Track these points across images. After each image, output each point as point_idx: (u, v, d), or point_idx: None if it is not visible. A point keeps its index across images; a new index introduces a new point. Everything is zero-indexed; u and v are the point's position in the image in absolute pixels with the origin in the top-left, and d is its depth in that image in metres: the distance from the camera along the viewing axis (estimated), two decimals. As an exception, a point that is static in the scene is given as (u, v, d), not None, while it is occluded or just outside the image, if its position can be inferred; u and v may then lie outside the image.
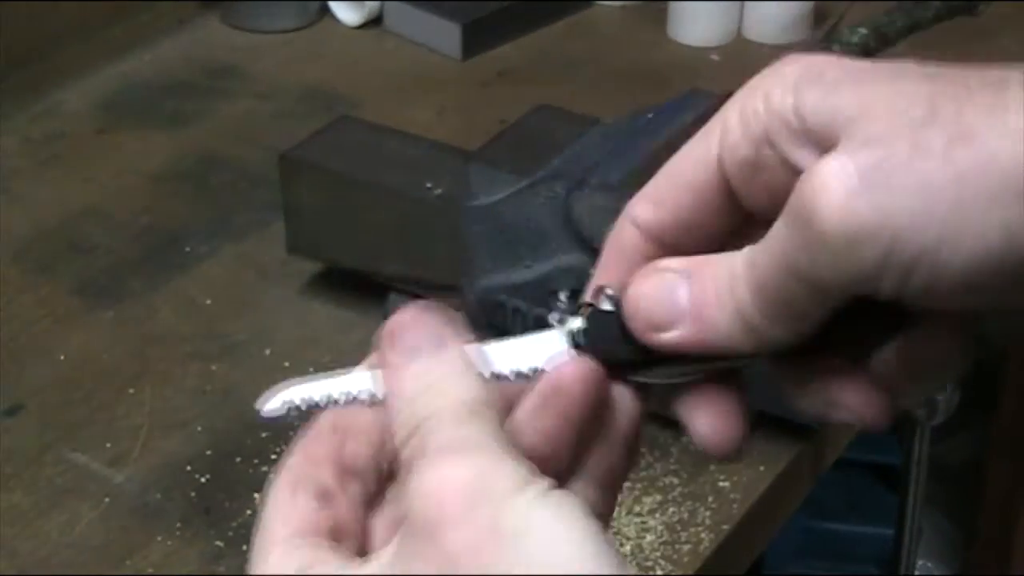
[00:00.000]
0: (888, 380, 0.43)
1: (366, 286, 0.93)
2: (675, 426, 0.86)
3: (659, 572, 0.76)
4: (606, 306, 0.44)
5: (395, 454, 0.42)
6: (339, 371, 0.45)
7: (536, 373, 0.44)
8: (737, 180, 0.43)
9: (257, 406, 0.44)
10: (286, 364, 0.89)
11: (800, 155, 0.40)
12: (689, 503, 0.80)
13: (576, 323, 0.44)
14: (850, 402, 0.43)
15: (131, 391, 0.87)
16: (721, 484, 0.81)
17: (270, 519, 0.43)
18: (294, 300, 0.95)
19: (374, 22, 1.32)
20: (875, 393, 0.43)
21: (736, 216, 0.44)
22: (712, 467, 0.82)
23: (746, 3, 1.29)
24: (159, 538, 0.77)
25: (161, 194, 1.08)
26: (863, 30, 0.93)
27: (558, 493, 0.39)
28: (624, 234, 0.46)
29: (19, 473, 0.81)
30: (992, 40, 1.28)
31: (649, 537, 0.77)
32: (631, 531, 0.78)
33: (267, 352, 0.90)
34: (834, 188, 0.38)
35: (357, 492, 0.44)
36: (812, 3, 1.29)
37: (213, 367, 0.89)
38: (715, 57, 1.26)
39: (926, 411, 0.86)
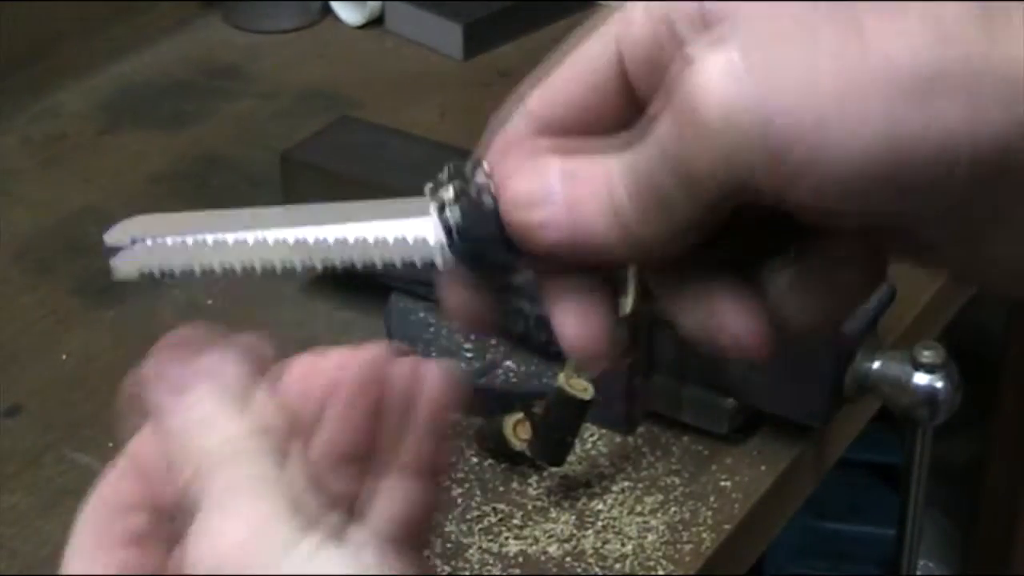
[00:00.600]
0: (777, 302, 0.41)
1: (366, 286, 0.93)
2: (677, 426, 0.87)
3: (660, 572, 0.76)
4: (480, 179, 0.41)
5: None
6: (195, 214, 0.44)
7: (409, 265, 0.42)
8: (636, 76, 0.41)
9: (104, 236, 0.43)
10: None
11: (696, 46, 0.38)
12: (691, 503, 0.80)
13: (454, 215, 0.41)
14: (731, 323, 0.41)
15: (132, 391, 0.87)
16: (723, 484, 0.81)
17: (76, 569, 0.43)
18: (295, 300, 0.95)
19: (375, 22, 1.32)
20: (760, 317, 0.41)
21: (632, 115, 0.42)
22: (714, 467, 0.82)
23: (747, 3, 1.29)
24: (160, 538, 0.77)
25: (162, 194, 1.08)
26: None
27: (333, 544, 0.39)
28: (516, 123, 0.43)
29: (19, 473, 0.81)
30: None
31: (650, 537, 0.77)
32: (632, 531, 0.78)
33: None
34: (714, 72, 0.36)
35: (168, 531, 0.43)
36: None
37: (214, 367, 0.89)
38: (716, 57, 1.26)
39: (928, 411, 0.86)
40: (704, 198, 0.38)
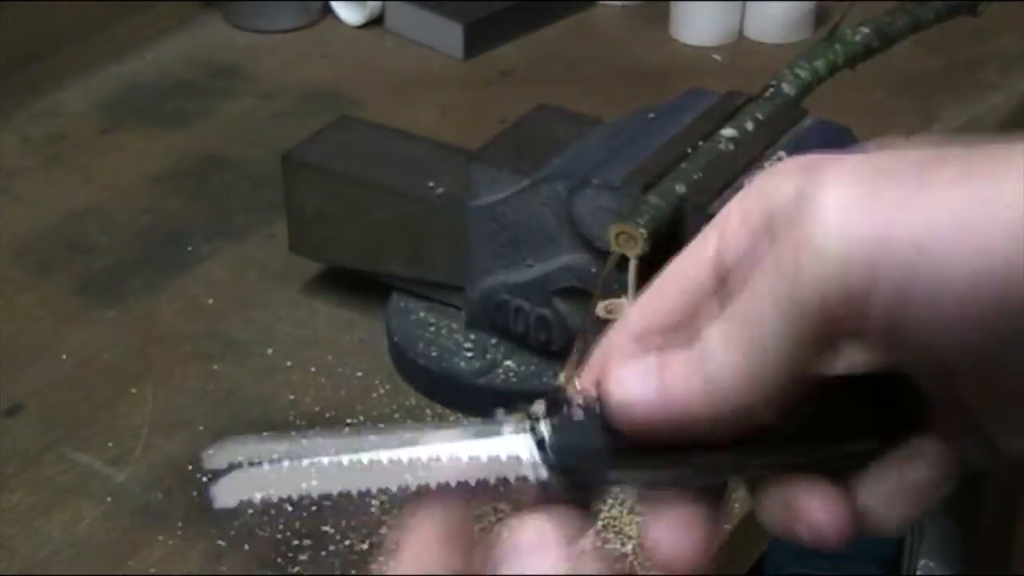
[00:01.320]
0: (868, 500, 0.41)
1: (368, 286, 0.93)
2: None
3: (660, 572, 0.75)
4: (577, 413, 0.42)
5: None
6: (297, 444, 0.43)
7: (504, 483, 0.42)
8: (734, 274, 0.41)
9: (204, 461, 0.42)
10: (288, 364, 0.89)
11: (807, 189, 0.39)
12: (691, 503, 0.79)
13: (545, 431, 0.42)
14: (810, 512, 0.41)
15: (133, 390, 0.87)
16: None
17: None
18: (296, 300, 0.95)
19: (376, 22, 1.32)
20: (839, 508, 0.41)
21: None
22: (714, 467, 0.82)
23: (748, 3, 1.29)
24: (161, 538, 0.77)
25: (162, 194, 1.08)
26: (865, 29, 0.93)
27: None
28: (615, 337, 0.44)
29: (20, 473, 0.81)
30: (992, 40, 1.28)
31: (651, 537, 0.77)
32: (632, 530, 0.78)
33: (269, 351, 0.90)
34: (831, 201, 0.37)
35: None
36: (814, 3, 1.29)
37: (215, 366, 0.89)
38: (717, 57, 1.26)
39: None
40: (805, 336, 0.37)
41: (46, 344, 0.91)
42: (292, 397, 0.86)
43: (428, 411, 0.86)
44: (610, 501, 0.79)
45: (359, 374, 0.89)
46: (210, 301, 0.95)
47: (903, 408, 0.41)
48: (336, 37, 1.31)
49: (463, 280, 0.87)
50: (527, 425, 0.43)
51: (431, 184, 0.89)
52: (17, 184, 1.09)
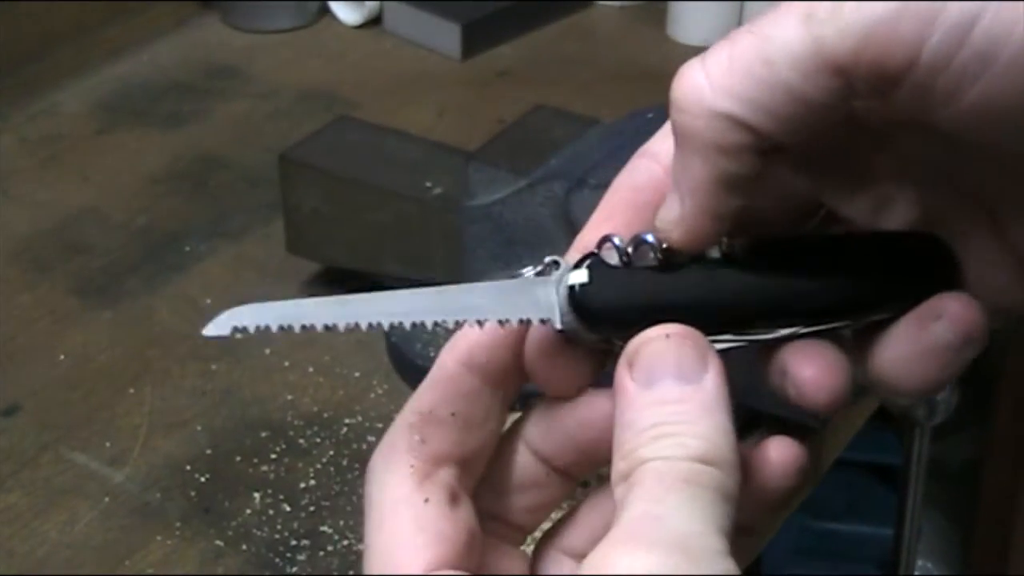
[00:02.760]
0: (887, 362, 0.41)
1: (365, 286, 0.93)
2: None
3: (659, 572, 0.75)
4: (612, 258, 0.42)
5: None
6: (298, 299, 0.43)
7: (523, 324, 0.42)
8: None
9: (204, 332, 0.42)
10: (286, 364, 0.89)
11: None
12: (689, 503, 0.79)
13: (579, 276, 0.42)
14: (800, 370, 0.41)
15: (130, 391, 0.87)
16: (721, 484, 0.81)
17: (399, 527, 0.40)
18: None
19: (373, 22, 1.32)
20: (834, 370, 0.41)
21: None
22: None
23: (745, 3, 1.29)
24: (159, 538, 0.77)
25: (160, 194, 1.08)
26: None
27: None
28: (638, 172, 0.44)
29: (17, 473, 0.81)
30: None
31: (649, 537, 0.77)
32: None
33: (267, 352, 0.90)
34: None
35: (473, 501, 0.41)
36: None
37: (213, 367, 0.89)
38: (714, 57, 1.26)
39: (926, 411, 0.86)
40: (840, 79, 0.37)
41: (43, 344, 0.91)
42: (290, 397, 0.86)
43: (426, 411, 0.85)
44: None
45: (357, 374, 0.89)
46: (207, 301, 0.95)
47: (925, 270, 0.41)
48: (334, 37, 1.31)
49: (460, 280, 0.87)
50: (556, 271, 0.43)
51: (428, 184, 0.89)
52: (14, 184, 1.09)
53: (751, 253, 0.42)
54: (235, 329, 0.41)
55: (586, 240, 0.44)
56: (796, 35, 0.37)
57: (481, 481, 0.43)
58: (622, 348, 0.41)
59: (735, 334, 0.42)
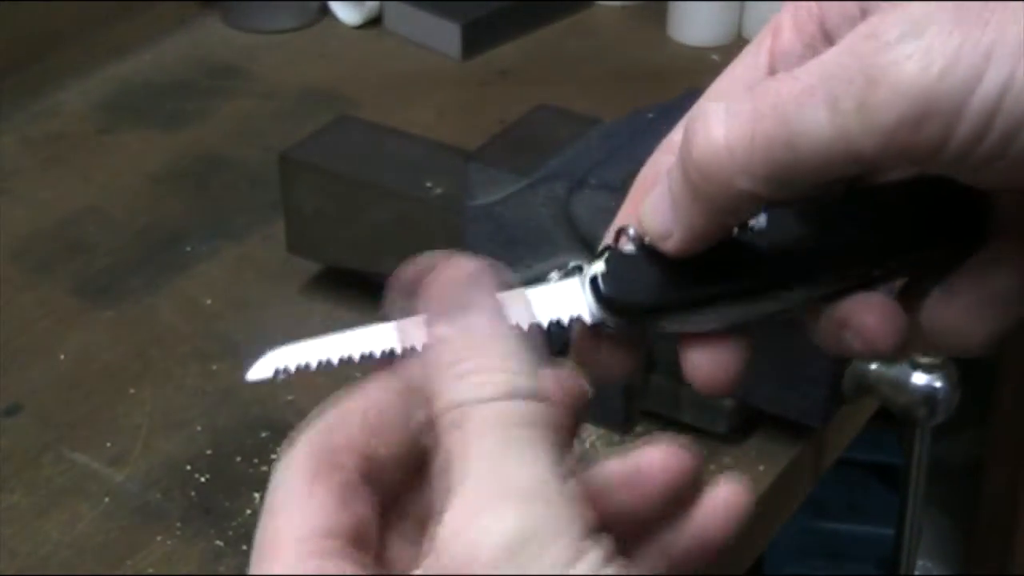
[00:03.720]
0: (933, 317, 0.41)
1: (366, 286, 0.93)
2: (675, 425, 0.87)
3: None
4: (627, 246, 0.42)
5: (420, 458, 0.38)
6: (332, 334, 0.43)
7: (557, 326, 0.42)
8: None
9: (246, 377, 0.42)
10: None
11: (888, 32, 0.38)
12: (689, 503, 0.79)
13: (597, 267, 0.42)
14: (866, 322, 0.40)
15: (131, 391, 0.87)
16: (721, 484, 0.81)
17: (281, 511, 0.38)
18: (294, 300, 0.95)
19: (374, 22, 1.32)
20: (891, 314, 0.40)
21: None
22: (712, 467, 0.82)
23: (746, 3, 1.29)
24: (159, 538, 0.77)
25: (161, 194, 1.08)
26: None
27: (616, 567, 0.34)
28: (660, 163, 0.44)
29: (18, 473, 0.81)
30: None
31: (649, 537, 0.77)
32: (631, 531, 0.77)
33: (268, 352, 0.90)
34: (913, 55, 0.36)
35: (376, 495, 0.40)
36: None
37: (213, 367, 0.89)
38: (715, 57, 1.26)
39: (927, 411, 0.86)
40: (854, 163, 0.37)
41: (45, 344, 0.91)
42: (291, 397, 0.86)
43: (427, 411, 0.85)
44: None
45: (358, 374, 0.88)
46: (208, 301, 0.95)
47: (978, 213, 0.41)
48: (334, 37, 1.31)
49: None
50: (578, 268, 0.43)
51: (429, 184, 0.89)
52: (16, 184, 1.09)
53: (766, 225, 0.42)
54: (277, 371, 0.41)
55: (628, 210, 0.45)
56: (821, 124, 0.37)
57: (404, 482, 0.42)
58: (657, 335, 0.42)
59: (757, 303, 0.42)
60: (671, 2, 1.30)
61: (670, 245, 0.41)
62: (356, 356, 0.42)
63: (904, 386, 0.83)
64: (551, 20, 1.33)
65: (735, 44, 1.28)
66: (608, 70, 1.26)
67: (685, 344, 0.43)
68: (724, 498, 0.42)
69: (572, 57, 1.28)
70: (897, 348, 0.41)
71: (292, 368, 0.42)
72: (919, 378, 0.83)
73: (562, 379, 0.42)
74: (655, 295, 0.42)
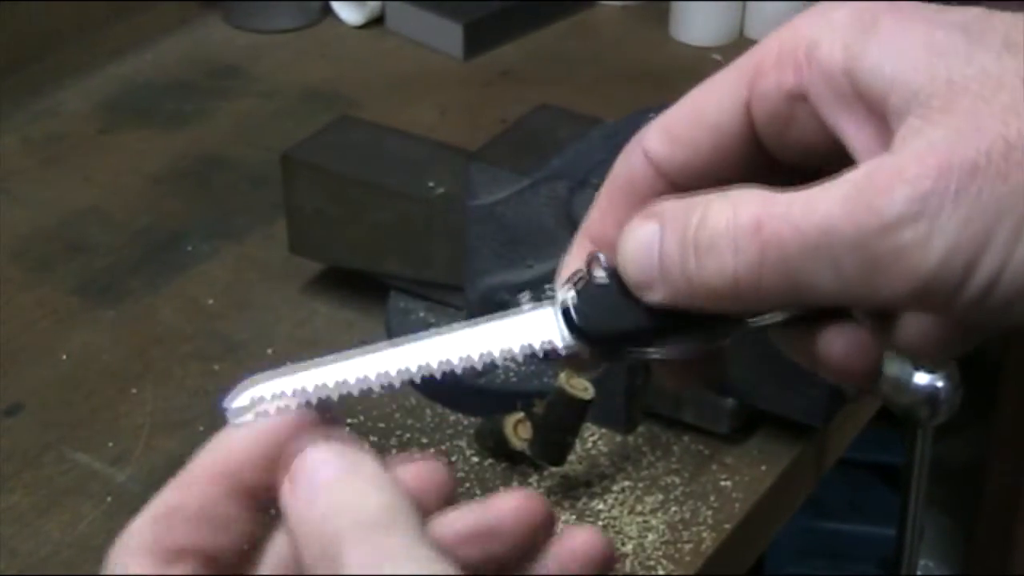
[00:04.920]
0: (911, 334, 0.41)
1: (367, 286, 0.93)
2: (677, 425, 0.87)
3: (660, 572, 0.75)
4: (599, 274, 0.42)
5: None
6: (312, 361, 0.43)
7: (530, 356, 0.42)
8: (765, 128, 0.40)
9: (224, 404, 0.42)
10: (288, 364, 0.89)
11: (842, 118, 0.38)
12: (691, 502, 0.79)
13: (569, 296, 0.42)
14: (836, 356, 0.41)
15: (133, 390, 0.87)
16: (723, 483, 0.81)
17: None
18: (295, 300, 0.95)
19: (376, 22, 1.32)
20: (862, 342, 0.41)
21: (759, 163, 0.41)
22: (714, 466, 0.82)
23: (748, 3, 1.29)
24: (160, 538, 0.77)
25: (162, 194, 1.08)
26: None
27: None
28: (634, 166, 0.43)
29: (19, 473, 0.81)
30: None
31: (651, 536, 0.77)
32: (632, 530, 0.77)
33: (269, 352, 0.90)
34: (920, 237, 0.36)
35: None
36: (813, 3, 1.29)
37: (215, 367, 0.89)
38: (717, 57, 1.26)
39: (928, 411, 0.86)
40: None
41: (46, 344, 0.91)
42: (292, 397, 0.86)
43: (428, 411, 0.86)
44: (610, 501, 0.79)
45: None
46: (210, 301, 0.95)
47: None
48: (336, 37, 1.31)
49: (463, 280, 0.87)
50: (549, 296, 0.43)
51: (431, 184, 0.89)
52: (16, 184, 1.09)
53: None
54: (254, 400, 0.41)
55: (589, 227, 0.44)
56: (825, 286, 0.38)
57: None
58: (629, 361, 0.42)
59: (730, 330, 0.42)
60: (673, 2, 1.30)
61: (650, 298, 0.41)
62: (335, 395, 0.42)
63: (906, 386, 0.83)
64: (553, 20, 1.33)
65: (737, 44, 1.28)
66: (610, 70, 1.26)
67: (657, 369, 0.44)
68: (578, 544, 0.42)
69: (574, 57, 1.28)
70: (867, 378, 0.41)
71: (268, 397, 0.42)
72: (921, 378, 0.83)
73: (422, 470, 0.41)
74: (629, 325, 0.42)
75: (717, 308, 0.40)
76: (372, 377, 0.42)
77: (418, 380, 0.42)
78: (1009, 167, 0.35)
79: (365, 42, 1.31)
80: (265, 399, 0.42)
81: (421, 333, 0.42)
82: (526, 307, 0.43)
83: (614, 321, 0.42)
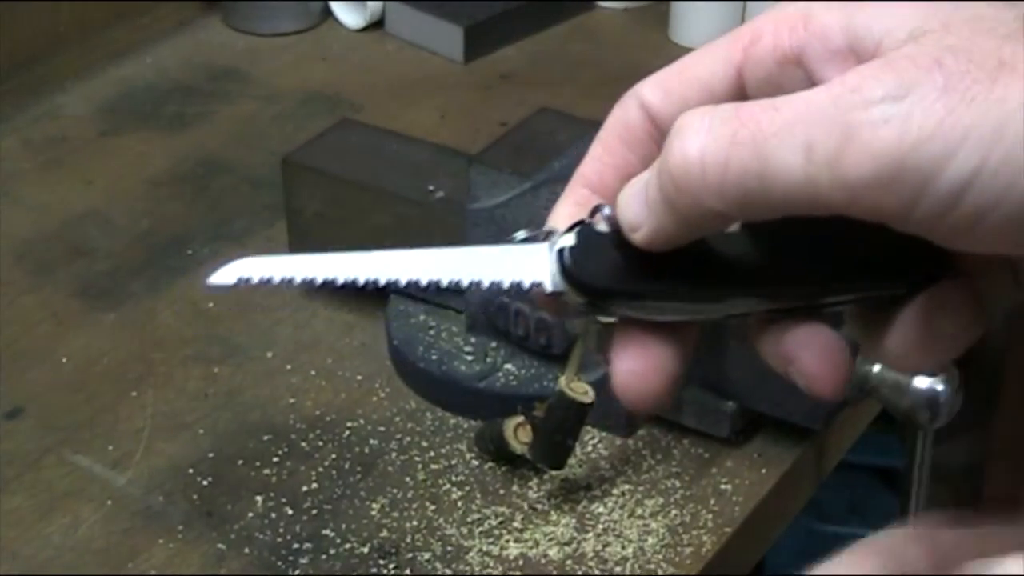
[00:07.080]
0: (893, 347, 0.41)
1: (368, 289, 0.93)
2: (677, 429, 0.87)
3: (661, 575, 0.75)
4: (601, 226, 0.42)
5: None
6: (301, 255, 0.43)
7: (516, 289, 0.43)
8: (755, 93, 0.41)
9: (207, 280, 0.42)
10: (288, 367, 0.89)
11: (830, 70, 0.39)
12: (691, 506, 0.80)
13: (567, 240, 0.42)
14: (808, 363, 0.41)
15: (133, 394, 0.87)
16: (723, 487, 0.81)
17: None
18: (296, 303, 0.95)
19: (376, 25, 1.32)
20: (835, 358, 0.41)
21: None
22: (714, 470, 0.82)
23: (748, 5, 1.29)
24: (161, 541, 0.77)
25: (162, 197, 1.08)
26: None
27: None
28: (630, 113, 0.44)
29: (20, 476, 0.81)
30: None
31: (651, 540, 0.77)
32: (633, 534, 0.78)
33: (269, 355, 0.90)
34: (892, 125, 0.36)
35: None
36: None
37: (215, 370, 0.89)
38: (717, 60, 1.26)
39: (929, 414, 0.85)
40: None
41: (46, 347, 0.91)
42: (292, 400, 0.86)
43: (428, 414, 0.86)
44: (611, 504, 0.79)
45: (359, 377, 0.89)
46: (210, 304, 0.95)
47: (930, 254, 0.41)
48: (336, 40, 1.31)
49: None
50: (548, 236, 0.43)
51: (431, 187, 0.89)
52: (17, 187, 1.09)
53: (739, 229, 0.42)
54: (240, 280, 0.42)
55: (584, 172, 0.45)
56: (794, 167, 0.37)
57: None
58: (610, 316, 0.42)
59: (716, 304, 0.42)
60: (673, 4, 1.31)
61: (637, 238, 0.41)
62: (319, 279, 0.42)
63: (906, 389, 0.83)
64: (553, 23, 1.33)
65: (737, 47, 1.28)
66: (610, 73, 1.26)
67: (616, 352, 0.43)
68: None
69: (574, 60, 1.28)
70: (837, 390, 0.42)
71: (255, 279, 0.42)
72: (921, 381, 0.83)
73: None
74: (617, 278, 0.42)
75: (683, 205, 0.39)
76: (360, 274, 0.43)
77: (403, 284, 0.43)
78: (999, 79, 0.36)
79: (365, 45, 1.31)
80: (252, 280, 0.42)
81: (418, 250, 0.43)
82: (519, 236, 0.44)
83: (605, 270, 0.42)
